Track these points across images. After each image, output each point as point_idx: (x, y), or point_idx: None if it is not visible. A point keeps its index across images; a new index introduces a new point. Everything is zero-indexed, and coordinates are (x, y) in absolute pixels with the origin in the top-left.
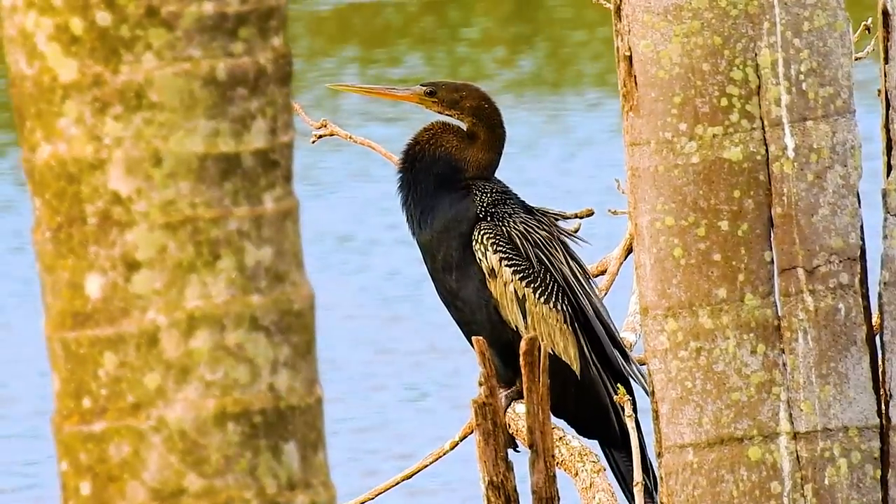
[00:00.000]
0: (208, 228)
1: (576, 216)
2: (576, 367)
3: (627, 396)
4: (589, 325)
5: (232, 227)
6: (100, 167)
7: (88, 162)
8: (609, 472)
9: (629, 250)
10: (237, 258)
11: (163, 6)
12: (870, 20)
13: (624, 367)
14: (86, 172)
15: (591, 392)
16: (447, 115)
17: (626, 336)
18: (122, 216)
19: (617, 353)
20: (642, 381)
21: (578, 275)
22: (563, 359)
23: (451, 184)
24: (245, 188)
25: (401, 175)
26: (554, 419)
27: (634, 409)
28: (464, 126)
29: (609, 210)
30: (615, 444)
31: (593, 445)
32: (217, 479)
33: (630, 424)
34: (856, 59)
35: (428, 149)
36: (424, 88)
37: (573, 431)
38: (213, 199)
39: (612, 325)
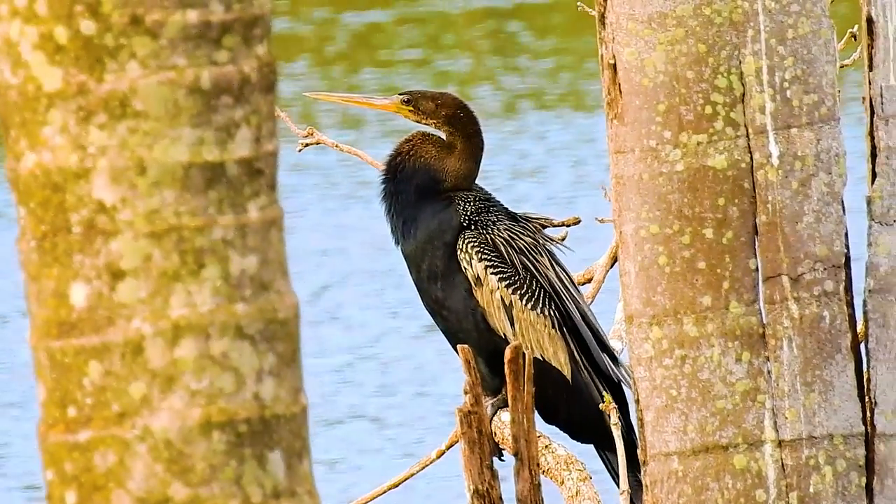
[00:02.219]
0: (193, 237)
1: (562, 224)
2: (566, 372)
3: (613, 405)
4: (577, 330)
5: (217, 235)
6: (84, 176)
7: (73, 171)
8: (594, 481)
9: (615, 258)
10: (222, 267)
11: (147, 15)
12: (856, 28)
13: (613, 371)
14: (70, 181)
15: (583, 396)
16: (425, 124)
17: (613, 344)
18: (107, 225)
19: (605, 356)
20: (632, 383)
21: (564, 280)
22: (553, 364)
23: (432, 194)
24: (230, 197)
25: (383, 186)
26: (545, 426)
27: (627, 413)
28: (442, 135)
29: (596, 218)
30: (610, 447)
31: (584, 451)
32: (202, 487)
33: (616, 433)
34: (841, 67)
35: (408, 160)
36: (402, 97)
37: (561, 439)
38: (197, 208)
39: (599, 329)
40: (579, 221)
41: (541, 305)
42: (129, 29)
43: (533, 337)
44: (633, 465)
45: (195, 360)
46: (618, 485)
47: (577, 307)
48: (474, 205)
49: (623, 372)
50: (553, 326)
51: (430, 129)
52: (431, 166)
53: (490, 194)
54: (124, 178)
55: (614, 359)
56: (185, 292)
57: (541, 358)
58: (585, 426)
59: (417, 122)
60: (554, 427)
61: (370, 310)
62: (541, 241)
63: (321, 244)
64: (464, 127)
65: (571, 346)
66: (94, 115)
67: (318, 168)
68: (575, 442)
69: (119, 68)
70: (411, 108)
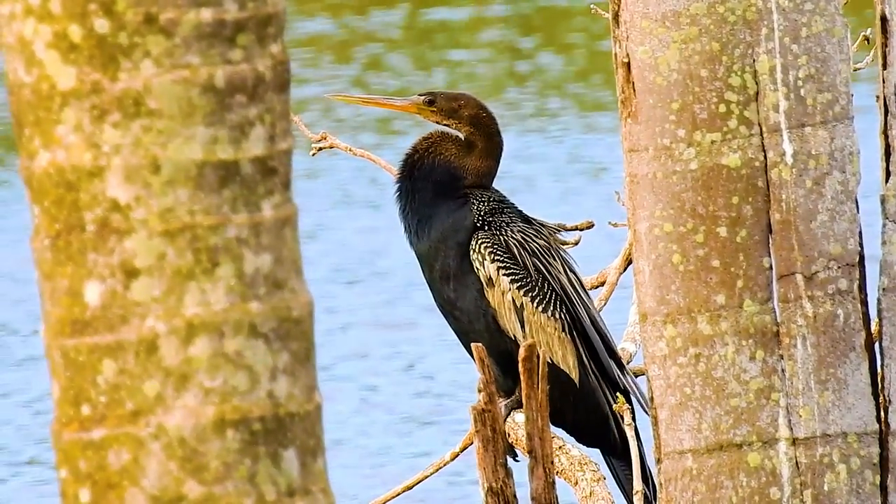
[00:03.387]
0: (207, 236)
1: (576, 228)
2: (574, 375)
3: (627, 405)
4: (586, 334)
5: (231, 234)
6: (98, 175)
7: (87, 169)
8: (609, 481)
9: (629, 261)
10: (236, 265)
11: (161, 13)
12: (869, 31)
13: (620, 378)
14: (84, 180)
15: (590, 400)
16: (444, 124)
17: (626, 346)
18: (121, 224)
19: (612, 363)
20: (636, 391)
21: (575, 284)
22: (562, 367)
23: (449, 192)
24: (244, 195)
25: (399, 183)
26: (553, 428)
27: (633, 419)
28: (461, 135)
29: (609, 222)
30: (614, 452)
31: (593, 454)
32: (216, 486)
33: (630, 433)
34: (854, 70)
35: (427, 157)
36: (423, 98)
37: (573, 440)
38: (211, 207)
39: (608, 335)
40: (592, 225)
41: (552, 308)
42: (143, 27)
43: (543, 339)
44: (640, 475)
45: (209, 359)
46: (622, 490)
47: (587, 312)
48: (488, 205)
49: (629, 380)
50: (563, 330)
51: (449, 130)
52: (452, 163)
53: (505, 196)
54: (138, 177)
55: (621, 366)
56: (199, 291)
57: (549, 361)
58: (591, 431)
59: (437, 122)
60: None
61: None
62: (553, 245)
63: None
64: (485, 127)
65: (580, 350)
66: (108, 114)
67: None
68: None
69: (133, 67)
70: (433, 109)
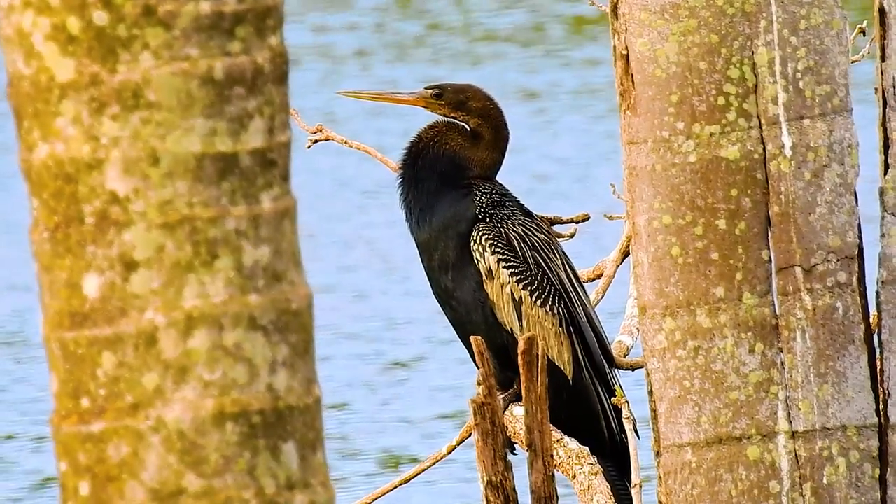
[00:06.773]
0: (206, 228)
1: (571, 220)
2: (568, 372)
3: (625, 398)
4: (582, 331)
5: (230, 226)
6: (97, 167)
7: (86, 162)
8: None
9: (626, 253)
10: (235, 258)
11: (160, 5)
12: (865, 23)
13: (611, 377)
14: (83, 172)
15: (582, 398)
16: (452, 116)
17: (623, 339)
18: (120, 216)
19: (605, 361)
20: (645, 375)
21: (573, 280)
22: (557, 363)
23: (453, 182)
24: (243, 187)
25: (402, 172)
26: None
27: (621, 420)
28: (468, 127)
29: (605, 215)
30: (602, 452)
31: None
32: (216, 479)
33: (627, 426)
34: (852, 62)
35: (432, 146)
36: (431, 91)
37: None
38: (210, 199)
39: (603, 333)
40: (588, 218)
41: (550, 303)
42: (141, 19)
43: (540, 334)
44: (625, 475)
45: (208, 351)
46: (611, 488)
47: (584, 309)
48: (490, 197)
49: (618, 381)
50: (560, 325)
51: (455, 122)
52: (458, 154)
53: (507, 189)
54: (137, 169)
55: (611, 366)
56: (198, 283)
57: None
58: (581, 428)
59: (445, 115)
60: None
61: None
62: (554, 240)
63: None
64: (493, 119)
65: (576, 346)
66: (107, 106)
67: None
68: None
69: (132, 59)
70: (441, 102)
